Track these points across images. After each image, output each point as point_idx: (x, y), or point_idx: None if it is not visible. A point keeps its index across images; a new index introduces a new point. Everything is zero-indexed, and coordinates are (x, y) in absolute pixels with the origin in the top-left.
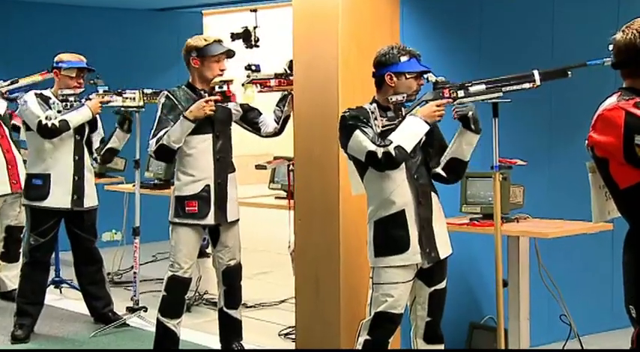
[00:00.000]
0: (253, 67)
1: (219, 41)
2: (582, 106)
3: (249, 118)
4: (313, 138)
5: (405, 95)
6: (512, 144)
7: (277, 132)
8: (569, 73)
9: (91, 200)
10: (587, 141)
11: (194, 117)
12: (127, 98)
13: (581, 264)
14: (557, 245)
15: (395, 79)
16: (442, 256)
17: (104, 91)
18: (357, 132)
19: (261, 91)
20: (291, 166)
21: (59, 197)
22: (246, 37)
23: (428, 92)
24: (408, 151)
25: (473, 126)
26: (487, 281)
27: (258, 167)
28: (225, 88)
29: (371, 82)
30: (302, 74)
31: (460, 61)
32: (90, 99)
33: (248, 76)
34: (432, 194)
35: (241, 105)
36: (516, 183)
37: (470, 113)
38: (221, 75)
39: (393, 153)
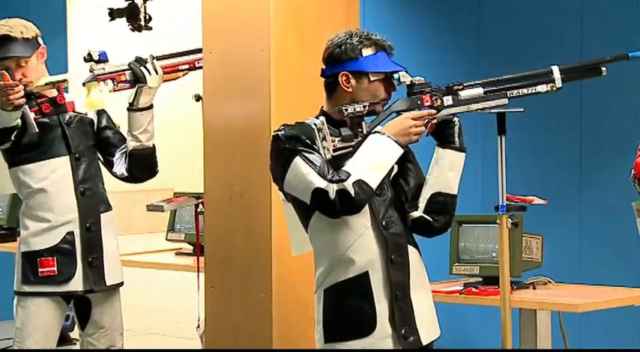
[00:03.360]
0: (96, 57)
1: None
2: (625, 124)
3: (103, 141)
4: (233, 166)
5: (367, 104)
6: (526, 174)
7: (132, 178)
8: (604, 68)
9: None
10: (632, 172)
11: None
12: None
13: (626, 346)
14: (591, 321)
15: (353, 81)
16: (426, 341)
17: None
18: (298, 160)
19: (116, 90)
20: (200, 207)
21: None
22: (133, 14)
23: (400, 99)
24: (374, 187)
25: (457, 140)
26: None
27: (152, 208)
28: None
29: (318, 84)
30: (214, 72)
31: (454, 58)
32: None
33: (91, 71)
34: (410, 249)
35: (98, 117)
36: (532, 232)
37: (455, 119)
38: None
39: (352, 190)
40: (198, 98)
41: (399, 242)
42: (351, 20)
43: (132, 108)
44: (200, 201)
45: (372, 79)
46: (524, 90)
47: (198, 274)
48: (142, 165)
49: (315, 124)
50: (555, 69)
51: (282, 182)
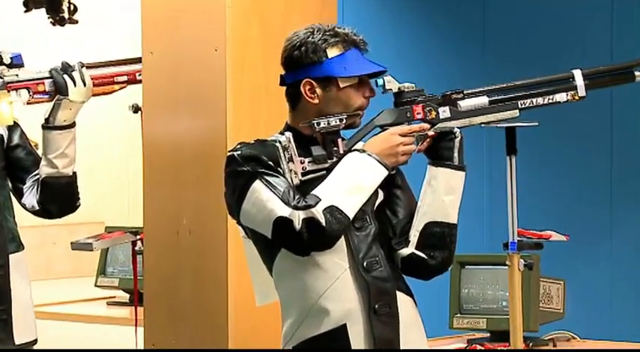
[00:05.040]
0: (8, 60)
1: None
2: None
3: (12, 163)
4: (179, 193)
5: (344, 117)
6: (543, 203)
7: (45, 213)
8: (638, 73)
9: None
10: None
11: None
12: None
13: None
14: None
15: (319, 90)
16: None
17: None
18: (258, 185)
19: (31, 103)
20: (138, 245)
21: None
22: (53, 4)
23: (385, 110)
24: (350, 216)
25: (456, 156)
26: None
27: (77, 246)
28: None
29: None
30: (157, 77)
31: (459, 58)
32: None
33: (0, 77)
34: (400, 296)
35: (9, 134)
36: (551, 276)
37: (457, 131)
38: None
39: (322, 218)
40: (136, 109)
41: (384, 287)
42: (327, 8)
43: (47, 125)
44: (138, 237)
45: (342, 85)
46: (540, 100)
47: (136, 329)
48: (58, 198)
49: (279, 142)
50: (578, 73)
51: (238, 213)
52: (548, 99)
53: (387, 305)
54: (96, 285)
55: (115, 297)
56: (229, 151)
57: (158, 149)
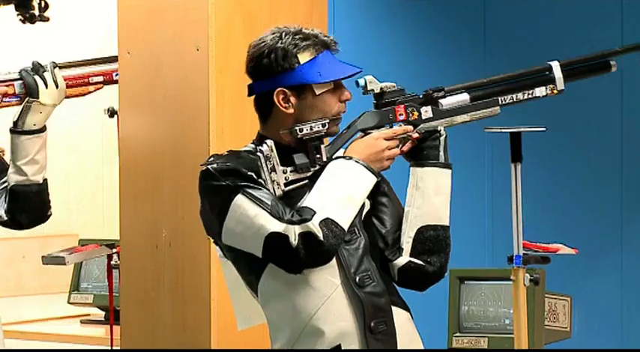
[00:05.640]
0: None
1: None
2: None
3: None
4: (158, 204)
5: (325, 122)
6: (550, 214)
7: (14, 224)
8: (613, 63)
9: None
10: None
11: None
12: None
13: None
14: None
15: (293, 98)
16: None
17: None
18: (241, 199)
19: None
20: (114, 259)
21: None
22: (23, 0)
23: (367, 113)
24: (345, 228)
25: (442, 155)
26: None
27: (49, 261)
28: None
29: None
30: (134, 79)
31: (459, 56)
32: None
33: None
34: (396, 311)
35: None
36: (558, 292)
37: (441, 129)
38: None
39: (320, 233)
40: (112, 113)
41: (378, 303)
42: (317, 5)
43: (16, 130)
44: (114, 251)
45: (317, 92)
46: (520, 96)
47: (112, 349)
48: (27, 207)
49: (261, 151)
50: (555, 65)
51: (219, 232)
52: (528, 94)
53: (383, 323)
54: (69, 302)
55: (89, 315)
56: (203, 165)
57: (135, 155)
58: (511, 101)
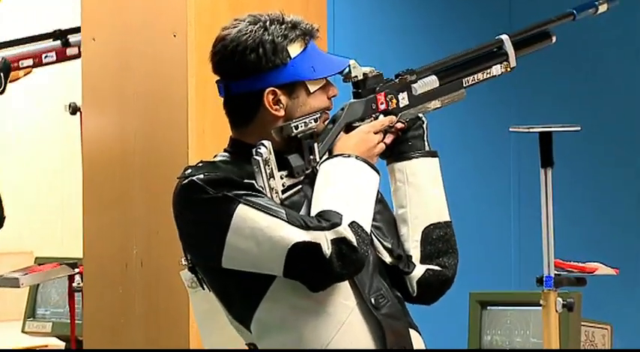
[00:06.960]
0: None
1: None
2: None
3: None
4: (128, 215)
5: (316, 116)
6: (586, 229)
7: None
8: (553, 35)
9: None
10: None
11: None
12: None
13: None
14: None
15: (285, 98)
16: None
17: None
18: (244, 210)
19: None
20: (77, 281)
21: None
22: None
23: (351, 103)
24: (369, 232)
25: (427, 143)
26: None
27: (1, 283)
28: None
29: None
30: (100, 70)
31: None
32: None
33: None
34: (413, 334)
35: None
36: (593, 320)
37: (422, 115)
38: None
39: (353, 237)
40: (74, 110)
41: (397, 327)
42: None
43: None
44: (77, 271)
45: (312, 89)
46: (480, 76)
47: None
48: None
49: (260, 154)
50: (506, 39)
51: (215, 256)
52: (487, 73)
53: (404, 350)
54: (23, 331)
55: (47, 346)
56: (181, 177)
57: (101, 159)
58: (473, 82)
